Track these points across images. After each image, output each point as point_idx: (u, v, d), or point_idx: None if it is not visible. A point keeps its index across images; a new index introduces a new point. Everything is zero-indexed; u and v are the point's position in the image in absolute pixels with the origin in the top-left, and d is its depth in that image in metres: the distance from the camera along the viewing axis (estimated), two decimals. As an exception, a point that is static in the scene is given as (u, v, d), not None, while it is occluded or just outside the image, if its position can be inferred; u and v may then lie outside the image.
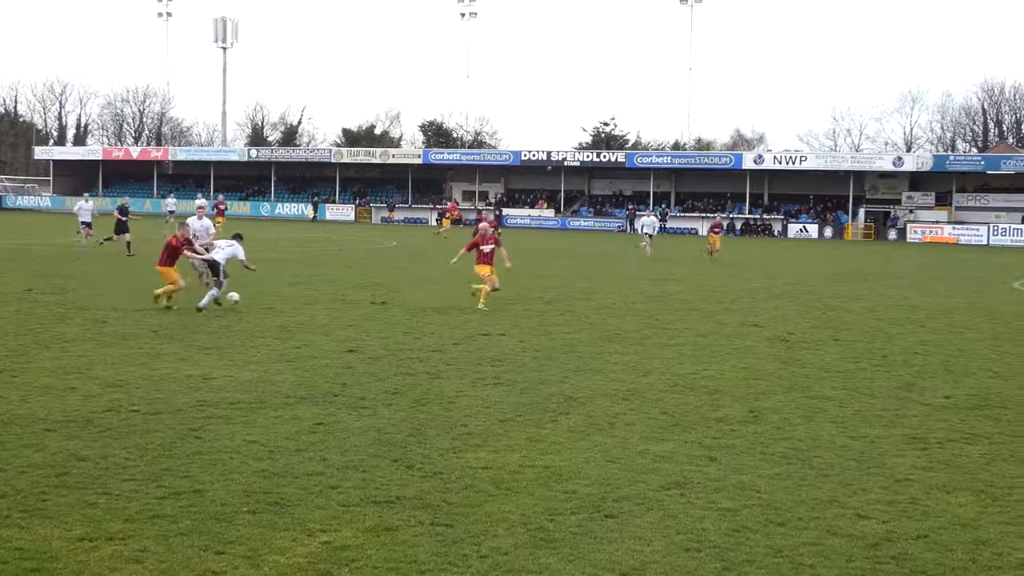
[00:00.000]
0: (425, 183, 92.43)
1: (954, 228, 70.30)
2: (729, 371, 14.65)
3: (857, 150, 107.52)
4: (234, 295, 20.68)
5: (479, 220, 27.26)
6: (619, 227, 78.73)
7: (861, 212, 74.99)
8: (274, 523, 7.60)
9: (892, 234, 71.75)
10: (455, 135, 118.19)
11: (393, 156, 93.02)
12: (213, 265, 21.21)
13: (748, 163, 78.37)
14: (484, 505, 8.14)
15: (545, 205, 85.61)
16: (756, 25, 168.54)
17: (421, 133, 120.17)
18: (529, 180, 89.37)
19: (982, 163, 74.39)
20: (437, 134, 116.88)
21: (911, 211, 74.15)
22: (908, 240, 69.88)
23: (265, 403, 11.74)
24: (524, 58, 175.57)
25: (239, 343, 16.10)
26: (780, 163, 77.82)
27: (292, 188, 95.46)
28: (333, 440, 10.07)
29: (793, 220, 75.65)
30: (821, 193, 78.48)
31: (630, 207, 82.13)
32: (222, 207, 54.69)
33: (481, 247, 21.95)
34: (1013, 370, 15.29)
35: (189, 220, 23.94)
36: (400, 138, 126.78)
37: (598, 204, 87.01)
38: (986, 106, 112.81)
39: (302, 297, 22.85)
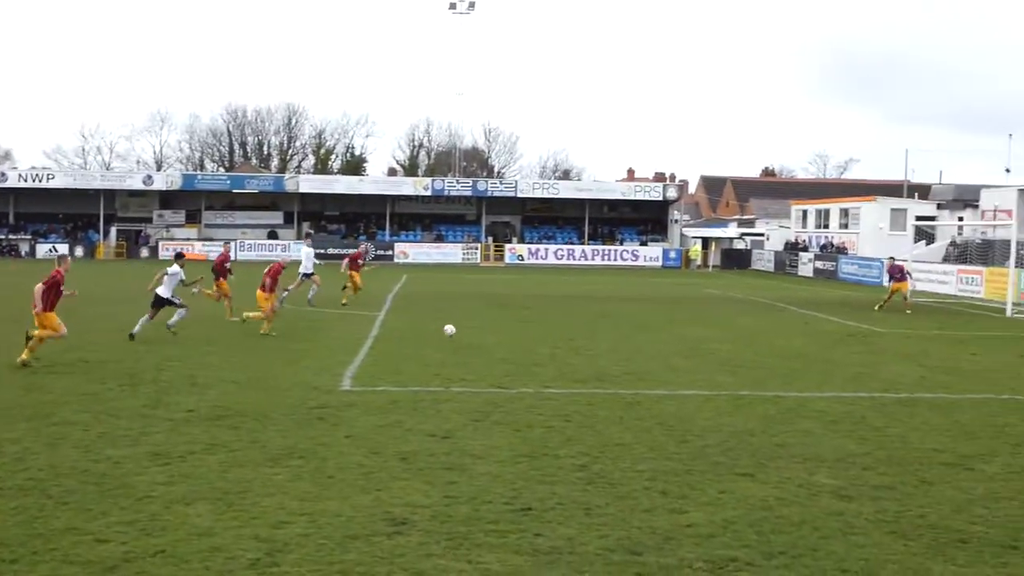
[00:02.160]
0: None
1: (204, 245, 72.52)
2: (-37, 404, 13.62)
3: (108, 168, 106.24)
4: (450, 328, 21.96)
5: None
6: None
7: (113, 231, 74.34)
8: None
9: (145, 252, 72.10)
10: None
11: None
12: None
13: (-10, 180, 73.59)
14: None
15: None
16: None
17: None
18: None
19: (228, 182, 77.81)
20: None
21: (166, 228, 75.19)
22: (161, 257, 70.62)
23: None
24: None
25: None
26: (27, 181, 74.06)
27: None
28: None
29: (43, 240, 72.50)
30: (72, 212, 76.33)
31: None
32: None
33: (268, 276, 23.07)
34: (252, 379, 16.20)
35: None
36: None
37: None
38: (231, 128, 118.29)
39: None
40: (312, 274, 30.55)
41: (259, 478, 10.04)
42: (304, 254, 30.94)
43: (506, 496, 9.56)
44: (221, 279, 26.25)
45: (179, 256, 23.11)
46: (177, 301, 21.83)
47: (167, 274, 21.85)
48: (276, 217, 77.25)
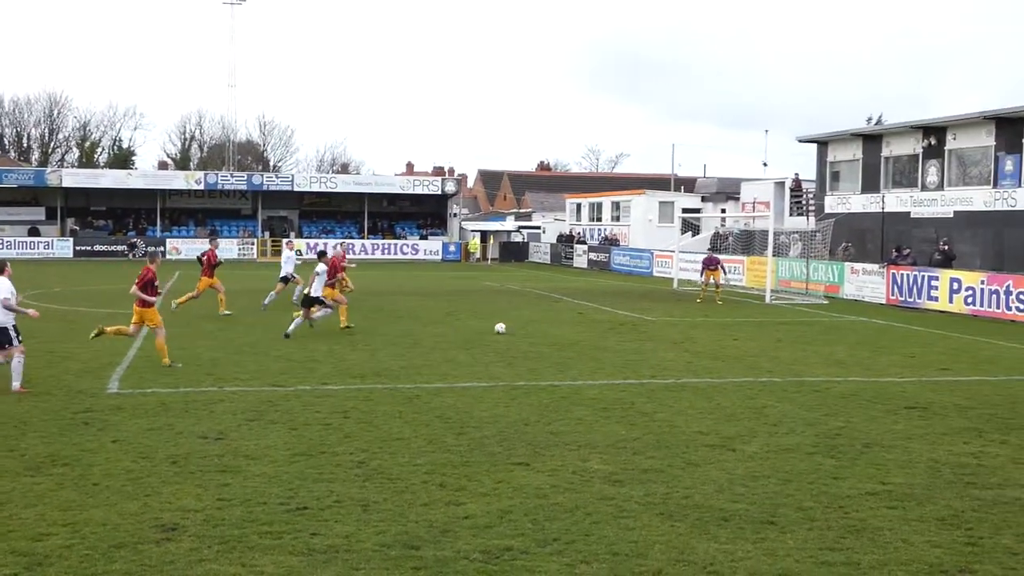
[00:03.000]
0: None
1: (-42, 243, 68.22)
2: None
3: None
4: (501, 326, 23.21)
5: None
6: None
7: None
8: None
9: None
10: None
11: None
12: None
13: None
14: None
15: None
16: None
17: None
18: None
19: (-14, 177, 73.20)
20: None
21: None
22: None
23: None
24: None
25: None
26: None
27: None
28: None
29: None
30: None
31: None
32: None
33: (339, 274, 24.35)
34: (10, 383, 15.32)
35: None
36: None
37: None
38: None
39: None
40: (294, 276, 29.91)
41: (18, 488, 9.53)
42: (284, 257, 30.69)
43: (282, 496, 9.40)
44: (208, 274, 26.62)
45: (322, 255, 24.30)
46: (325, 300, 22.83)
47: (317, 274, 22.77)
48: (38, 213, 73.23)
